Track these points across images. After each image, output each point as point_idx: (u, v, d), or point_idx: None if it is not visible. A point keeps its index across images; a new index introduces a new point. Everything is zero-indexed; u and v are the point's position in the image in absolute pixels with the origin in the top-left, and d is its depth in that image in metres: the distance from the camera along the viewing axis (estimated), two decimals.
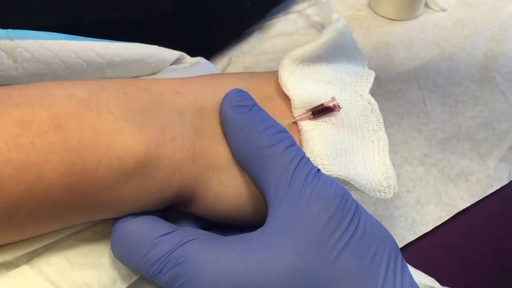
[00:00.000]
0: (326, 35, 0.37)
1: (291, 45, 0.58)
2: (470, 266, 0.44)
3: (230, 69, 0.56)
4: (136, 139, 0.27)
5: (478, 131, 0.50)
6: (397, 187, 0.34)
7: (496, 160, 0.48)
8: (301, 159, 0.28)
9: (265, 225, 0.28)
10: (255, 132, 0.29)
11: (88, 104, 0.27)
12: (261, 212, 0.31)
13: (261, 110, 0.31)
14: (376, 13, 0.66)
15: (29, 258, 0.29)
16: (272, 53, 0.58)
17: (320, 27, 0.62)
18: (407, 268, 0.29)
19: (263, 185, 0.29)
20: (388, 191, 0.33)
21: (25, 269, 0.28)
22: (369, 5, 0.67)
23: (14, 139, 0.25)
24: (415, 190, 0.46)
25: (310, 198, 0.28)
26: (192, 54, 0.46)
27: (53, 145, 0.25)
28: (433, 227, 0.44)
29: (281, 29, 0.62)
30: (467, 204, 0.45)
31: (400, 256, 0.29)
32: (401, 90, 0.55)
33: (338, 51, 0.39)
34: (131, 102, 0.29)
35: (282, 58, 0.37)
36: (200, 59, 0.46)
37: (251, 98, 0.31)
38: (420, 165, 0.48)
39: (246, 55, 0.58)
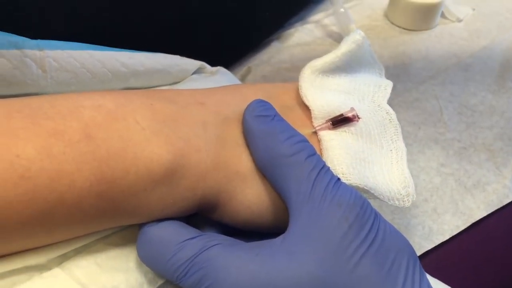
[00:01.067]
0: (345, 47, 0.38)
1: (309, 55, 0.60)
2: (486, 275, 0.44)
3: (249, 78, 0.57)
4: (162, 149, 0.28)
5: (495, 141, 0.50)
6: (415, 196, 0.35)
7: None
8: (321, 168, 0.29)
9: (286, 232, 0.29)
10: (277, 142, 0.30)
11: (116, 115, 0.28)
12: (282, 219, 0.32)
13: (282, 120, 0.32)
14: (392, 23, 0.67)
15: (61, 261, 0.30)
16: (290, 62, 0.59)
17: (337, 37, 0.63)
18: (425, 276, 0.30)
19: (284, 193, 0.30)
20: (407, 200, 0.34)
21: (56, 271, 0.29)
22: (386, 15, 0.68)
23: (47, 149, 0.26)
24: (432, 199, 0.46)
25: (330, 207, 0.28)
26: (212, 63, 0.48)
27: (84, 155, 0.26)
28: (450, 236, 0.44)
29: (298, 39, 0.63)
30: (484, 214, 0.45)
31: (418, 264, 0.30)
32: (418, 99, 0.55)
33: (357, 62, 0.40)
34: (157, 113, 0.30)
35: (303, 69, 0.38)
36: (220, 69, 0.48)
37: (272, 108, 0.32)
38: (437, 175, 0.48)
39: (265, 64, 0.59)
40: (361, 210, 0.29)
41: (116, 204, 0.27)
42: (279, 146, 0.30)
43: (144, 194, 0.28)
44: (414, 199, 0.35)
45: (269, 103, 0.33)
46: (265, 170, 0.31)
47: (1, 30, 0.37)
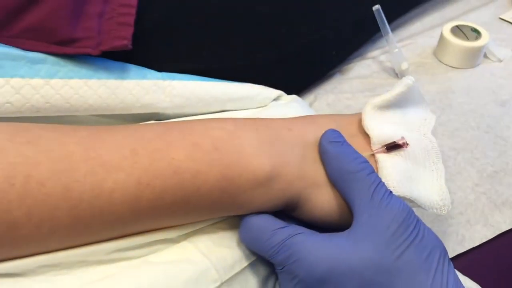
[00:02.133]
0: (399, 88, 0.45)
1: (366, 86, 0.65)
2: (507, 278, 0.50)
3: (316, 104, 0.62)
4: (265, 161, 0.37)
5: None
6: (450, 207, 0.41)
7: None
8: (379, 183, 0.37)
9: (350, 228, 0.36)
10: (346, 162, 0.38)
11: (234, 134, 0.38)
12: (344, 219, 0.39)
13: (349, 145, 0.40)
14: (440, 61, 0.70)
15: (186, 237, 0.39)
16: (350, 92, 0.64)
17: (391, 72, 0.68)
18: (452, 267, 0.36)
19: (350, 199, 0.37)
20: (443, 209, 0.41)
21: (185, 243, 0.38)
22: (434, 54, 0.71)
23: (191, 155, 0.36)
24: (466, 212, 0.52)
25: (385, 212, 0.36)
26: (287, 91, 0.56)
27: (214, 160, 0.36)
28: (479, 243, 0.50)
29: (357, 72, 0.68)
30: (509, 227, 0.51)
31: (447, 257, 0.36)
32: (458, 129, 0.59)
33: (407, 101, 0.46)
34: (260, 135, 0.39)
35: (365, 105, 0.45)
36: (294, 97, 0.56)
37: (342, 136, 0.40)
38: (472, 193, 0.53)
39: (328, 94, 0.64)
40: (407, 215, 0.36)
41: (232, 197, 0.37)
42: (347, 165, 0.38)
43: (250, 192, 0.37)
44: (449, 209, 0.42)
45: (339, 132, 0.41)
46: (336, 182, 0.39)
47: (134, 63, 0.47)
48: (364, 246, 0.35)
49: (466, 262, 0.49)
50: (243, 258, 0.40)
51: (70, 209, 0.32)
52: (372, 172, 0.38)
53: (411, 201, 0.40)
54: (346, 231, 0.37)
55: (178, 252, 0.38)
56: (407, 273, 0.34)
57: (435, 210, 0.41)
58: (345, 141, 0.40)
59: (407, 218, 0.36)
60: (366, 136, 0.43)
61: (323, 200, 0.40)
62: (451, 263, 0.37)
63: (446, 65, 0.70)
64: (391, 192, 0.38)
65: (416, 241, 0.35)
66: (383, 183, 0.38)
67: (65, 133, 0.35)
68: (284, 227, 0.37)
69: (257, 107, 0.54)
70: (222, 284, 0.38)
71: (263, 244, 0.37)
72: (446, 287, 0.34)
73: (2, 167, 0.31)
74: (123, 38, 0.44)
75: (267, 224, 0.38)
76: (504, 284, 0.50)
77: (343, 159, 0.39)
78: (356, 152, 0.39)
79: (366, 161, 0.39)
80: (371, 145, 0.43)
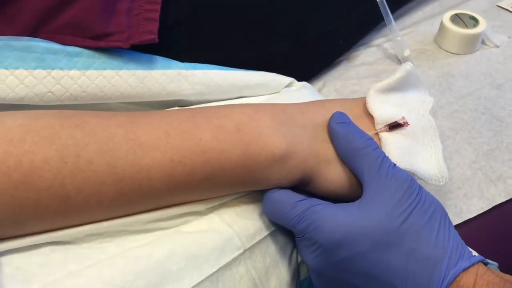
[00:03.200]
0: (399, 73, 0.48)
1: (371, 73, 0.68)
2: (502, 246, 0.53)
3: (324, 90, 0.66)
4: (281, 141, 0.41)
5: None
6: (447, 178, 0.45)
7: None
8: (384, 157, 0.41)
9: (361, 198, 0.40)
10: (353, 139, 0.42)
11: (253, 117, 0.42)
12: (354, 191, 0.43)
13: (355, 125, 0.43)
14: (440, 47, 0.72)
15: (212, 210, 0.43)
16: (356, 78, 0.67)
17: (394, 58, 0.71)
18: (453, 225, 0.40)
19: (359, 172, 0.41)
20: (441, 180, 0.45)
21: (211, 216, 0.42)
22: (435, 41, 0.73)
23: (216, 135, 0.39)
24: (464, 187, 0.55)
25: (390, 181, 0.39)
26: (298, 78, 0.59)
27: (236, 140, 0.40)
28: (476, 214, 0.53)
29: (363, 59, 0.71)
30: (503, 200, 0.54)
31: (448, 218, 0.40)
32: (457, 111, 0.62)
33: (407, 84, 0.50)
34: (276, 118, 0.43)
35: (369, 89, 0.48)
36: (305, 84, 0.59)
37: (348, 117, 0.44)
38: (469, 169, 0.56)
39: (336, 80, 0.67)
40: (410, 183, 0.39)
41: (252, 173, 0.40)
42: (354, 142, 0.42)
43: (268, 168, 0.41)
44: (446, 181, 0.45)
45: (345, 114, 0.44)
46: (345, 158, 0.42)
47: (160, 55, 0.51)
48: (375, 212, 0.38)
49: (463, 232, 0.51)
50: (263, 228, 0.43)
51: (115, 184, 0.37)
52: (377, 148, 0.42)
53: (412, 173, 0.43)
54: (358, 201, 0.40)
55: (205, 223, 0.42)
56: (413, 232, 0.37)
57: (433, 182, 0.45)
58: (351, 121, 0.44)
59: (410, 185, 0.39)
60: (370, 117, 0.47)
61: (333, 175, 0.43)
62: (452, 222, 0.40)
63: (446, 51, 0.72)
64: (395, 165, 0.41)
65: (419, 205, 0.39)
66: (387, 156, 0.41)
67: (107, 118, 0.39)
68: (303, 200, 0.41)
69: (270, 93, 0.57)
70: (245, 251, 0.42)
71: (285, 215, 0.41)
72: (448, 241, 0.38)
73: (56, 147, 0.35)
74: (150, 33, 0.48)
75: (287, 198, 0.41)
76: (498, 251, 0.52)
77: (350, 138, 0.42)
78: (362, 131, 0.43)
79: (371, 139, 0.42)
80: (375, 125, 0.46)
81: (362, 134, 0.43)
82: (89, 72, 0.46)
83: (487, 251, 0.50)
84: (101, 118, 0.39)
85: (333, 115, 0.44)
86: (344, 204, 0.40)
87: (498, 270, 0.50)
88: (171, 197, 0.40)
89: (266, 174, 0.41)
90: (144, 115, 0.41)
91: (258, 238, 0.43)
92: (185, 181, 0.39)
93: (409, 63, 0.49)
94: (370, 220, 0.38)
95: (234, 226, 0.42)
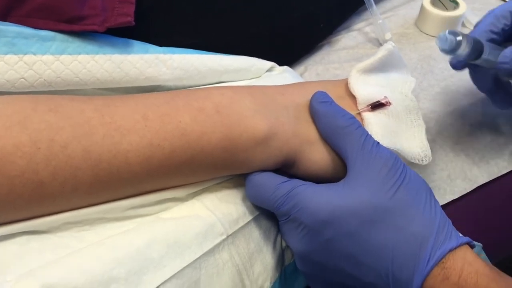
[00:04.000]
0: (381, 53, 0.48)
1: (353, 57, 0.68)
2: (486, 225, 0.54)
3: (306, 75, 0.65)
4: (262, 122, 0.40)
5: (499, 127, 0.58)
6: (431, 158, 0.45)
7: (510, 151, 0.57)
8: (367, 135, 0.40)
9: (346, 177, 0.40)
10: (335, 118, 0.42)
11: (233, 99, 0.41)
12: (338, 171, 0.43)
13: (337, 104, 0.43)
14: (421, 31, 0.72)
15: (194, 196, 0.42)
16: (338, 63, 0.67)
17: (375, 42, 0.70)
18: (438, 203, 0.40)
19: (342, 151, 0.41)
20: (425, 159, 0.45)
21: (193, 201, 0.42)
22: (416, 24, 0.73)
23: (196, 118, 0.39)
24: (447, 168, 0.55)
25: (375, 159, 0.39)
26: (279, 63, 0.58)
27: (216, 122, 0.39)
28: (459, 195, 0.53)
29: (344, 43, 0.70)
30: (486, 180, 0.54)
31: (433, 195, 0.40)
32: (439, 93, 0.62)
33: (389, 64, 0.50)
34: (257, 99, 0.42)
35: (351, 70, 0.48)
36: (286, 68, 0.59)
37: (329, 96, 0.44)
38: (452, 151, 0.57)
39: (318, 64, 0.67)
40: (395, 161, 0.39)
41: (233, 156, 0.40)
42: (337, 121, 0.41)
43: (251, 150, 0.40)
44: (430, 160, 0.45)
45: (326, 93, 0.44)
46: (328, 138, 0.42)
47: (137, 39, 0.50)
48: (360, 190, 0.38)
49: (447, 214, 0.52)
50: (246, 213, 0.43)
51: (91, 169, 0.36)
52: (360, 126, 0.41)
53: (395, 152, 0.43)
54: (342, 180, 0.40)
55: (187, 209, 0.41)
56: (400, 209, 0.37)
57: (417, 161, 0.45)
58: (333, 100, 0.43)
59: (395, 163, 0.39)
60: (352, 97, 0.47)
61: (317, 155, 0.43)
62: (437, 201, 0.40)
63: (427, 34, 0.72)
64: (378, 143, 0.41)
65: (404, 182, 0.39)
66: (371, 135, 0.41)
67: (82, 102, 0.38)
68: (286, 181, 0.41)
69: (251, 78, 0.57)
70: (228, 236, 0.41)
71: (268, 197, 0.40)
72: (435, 219, 0.38)
73: (28, 132, 0.34)
74: (126, 15, 0.46)
75: (270, 180, 0.41)
76: (481, 232, 0.54)
77: (332, 116, 0.42)
78: (344, 110, 0.43)
79: (354, 117, 0.42)
80: (357, 105, 0.46)
81: (344, 112, 0.42)
82: (63, 57, 0.45)
83: (470, 232, 0.51)
84: (77, 101, 0.38)
85: (314, 94, 0.44)
86: (330, 184, 0.40)
87: (483, 251, 0.51)
88: (150, 182, 0.39)
89: (248, 156, 0.41)
90: (122, 98, 0.40)
91: (241, 223, 0.43)
92: (165, 165, 0.38)
93: (390, 42, 0.49)
94: (356, 198, 0.38)
95: (216, 212, 0.41)
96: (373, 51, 0.69)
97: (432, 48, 0.69)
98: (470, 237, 0.41)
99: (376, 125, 0.45)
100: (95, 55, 0.46)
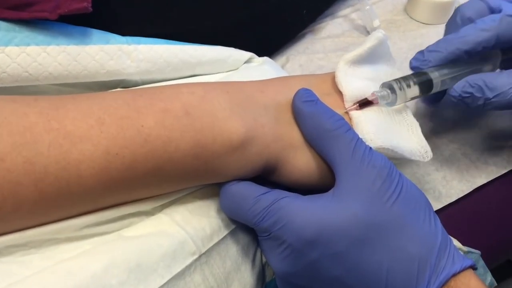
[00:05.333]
0: (370, 42, 0.44)
1: (339, 46, 0.65)
2: (484, 230, 0.51)
3: (288, 66, 0.62)
4: (239, 124, 0.36)
5: (498, 124, 0.56)
6: (432, 154, 0.42)
7: (509, 148, 0.54)
8: (357, 139, 0.37)
9: (334, 187, 0.36)
10: (321, 120, 0.38)
11: (205, 98, 0.36)
12: (324, 179, 0.39)
13: (323, 103, 0.39)
14: (411, 17, 0.70)
15: (161, 209, 0.38)
16: (322, 53, 0.64)
17: (363, 30, 0.67)
18: (438, 217, 0.37)
19: (330, 159, 0.37)
20: (426, 155, 0.42)
21: (160, 216, 0.37)
22: (406, 11, 0.71)
23: (161, 121, 0.34)
24: (442, 169, 0.53)
25: (368, 168, 0.35)
26: (258, 53, 0.54)
27: (185, 126, 0.35)
28: (456, 198, 0.51)
29: (329, 31, 0.67)
30: (485, 181, 0.52)
31: (432, 208, 0.37)
32: None
33: (378, 56, 0.46)
34: (233, 98, 0.38)
35: (339, 62, 0.44)
36: (266, 59, 0.55)
37: (314, 94, 0.39)
38: (447, 149, 0.54)
39: (301, 55, 0.63)
40: (390, 170, 0.36)
41: (206, 164, 0.35)
42: (323, 123, 0.37)
43: (225, 157, 0.36)
44: (431, 156, 0.42)
45: (312, 90, 0.40)
46: (313, 142, 0.38)
47: (96, 28, 0.45)
48: (351, 204, 0.35)
49: (444, 218, 0.49)
50: (222, 227, 0.39)
51: (35, 184, 0.31)
52: (349, 129, 0.38)
53: (391, 151, 0.40)
54: (331, 191, 0.36)
55: (153, 225, 0.37)
56: (396, 226, 0.35)
57: (418, 158, 0.42)
58: (318, 99, 0.39)
59: (390, 173, 0.36)
60: (340, 94, 0.43)
61: (301, 161, 0.39)
62: (437, 216, 0.37)
63: (418, 21, 0.70)
64: (371, 148, 0.37)
65: (401, 196, 0.36)
66: (362, 140, 0.38)
67: (26, 104, 0.33)
68: (267, 192, 0.37)
69: (228, 71, 0.52)
70: (201, 255, 0.37)
71: (246, 211, 0.36)
72: (436, 237, 0.35)
73: None
74: (82, 0, 0.41)
75: (249, 191, 0.37)
76: (479, 238, 0.51)
77: (318, 118, 0.38)
78: (331, 110, 0.39)
79: (342, 119, 0.38)
80: (344, 102, 0.42)
81: (331, 113, 0.38)
82: (8, 48, 0.39)
83: (468, 238, 0.49)
84: (19, 104, 0.33)
85: (297, 92, 0.40)
86: (315, 196, 0.37)
87: (481, 259, 0.48)
88: (109, 197, 0.35)
89: (223, 164, 0.37)
90: (74, 98, 0.35)
91: (216, 239, 0.38)
92: (125, 177, 0.34)
93: (380, 30, 0.45)
94: (346, 213, 0.34)
95: (187, 227, 0.37)
96: (360, 39, 0.66)
97: (424, 36, 0.67)
98: (466, 244, 0.38)
99: (366, 123, 0.41)
100: (47, 46, 0.41)
